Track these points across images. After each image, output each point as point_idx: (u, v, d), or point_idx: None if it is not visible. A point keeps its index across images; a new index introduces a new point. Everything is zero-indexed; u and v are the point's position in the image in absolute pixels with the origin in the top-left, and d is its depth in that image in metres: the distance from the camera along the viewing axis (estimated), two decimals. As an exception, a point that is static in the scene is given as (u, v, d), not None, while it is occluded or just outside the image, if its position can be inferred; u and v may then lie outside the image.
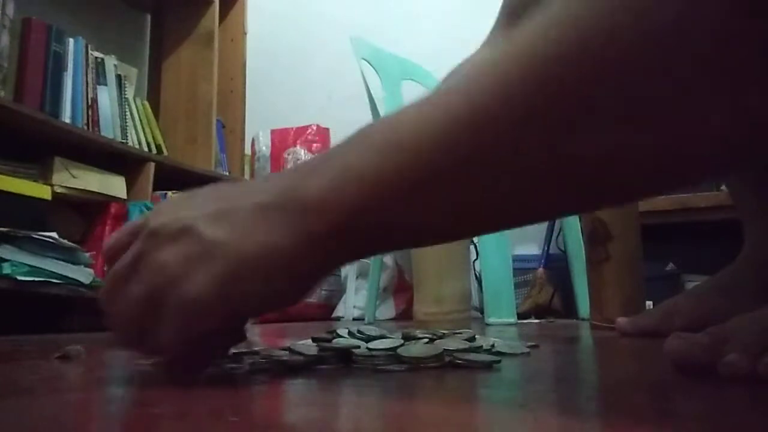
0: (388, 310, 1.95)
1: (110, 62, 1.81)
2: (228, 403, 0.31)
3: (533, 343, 0.61)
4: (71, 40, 1.67)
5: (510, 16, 0.56)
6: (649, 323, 0.78)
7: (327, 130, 2.31)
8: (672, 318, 0.75)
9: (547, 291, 1.70)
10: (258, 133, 2.30)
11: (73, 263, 1.45)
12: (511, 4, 0.57)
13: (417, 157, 0.29)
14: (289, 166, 2.21)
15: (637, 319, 0.81)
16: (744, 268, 0.77)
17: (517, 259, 1.64)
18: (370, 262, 1.77)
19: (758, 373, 0.34)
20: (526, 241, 1.92)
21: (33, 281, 1.33)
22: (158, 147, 1.94)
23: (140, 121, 1.91)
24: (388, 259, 1.91)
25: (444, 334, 0.56)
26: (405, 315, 1.89)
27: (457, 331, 0.59)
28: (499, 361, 0.46)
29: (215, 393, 0.34)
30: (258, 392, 0.38)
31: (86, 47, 1.72)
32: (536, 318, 1.59)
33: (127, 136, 1.81)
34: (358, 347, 0.49)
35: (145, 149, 1.87)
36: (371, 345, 0.51)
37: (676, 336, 0.39)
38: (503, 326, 1.22)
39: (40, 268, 1.36)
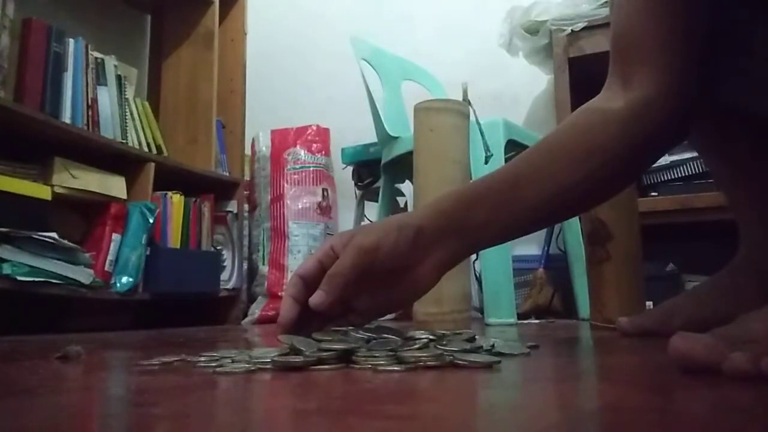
0: (388, 310, 1.95)
1: (110, 62, 1.81)
2: (228, 403, 0.31)
3: (533, 344, 0.61)
4: (71, 41, 1.67)
5: (624, 69, 0.62)
6: (650, 323, 0.78)
7: (327, 130, 2.30)
8: (672, 318, 0.75)
9: (547, 291, 1.70)
10: (258, 133, 2.30)
11: (73, 263, 1.45)
12: (623, 54, 0.62)
13: (482, 183, 0.61)
14: (288, 167, 2.21)
15: (637, 318, 0.81)
16: (743, 268, 0.77)
17: (517, 259, 1.64)
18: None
19: (762, 373, 0.34)
20: (526, 242, 1.91)
21: (33, 281, 1.33)
22: (158, 147, 1.94)
23: (140, 121, 1.91)
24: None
25: (444, 334, 0.56)
26: (405, 315, 1.88)
27: (458, 331, 0.59)
28: (499, 362, 0.46)
29: (215, 393, 0.34)
30: (257, 392, 0.39)
31: (86, 47, 1.72)
32: (536, 318, 1.59)
33: (127, 137, 1.81)
34: (359, 348, 0.49)
35: (145, 149, 1.87)
36: (371, 345, 0.51)
37: (681, 335, 0.39)
38: (503, 327, 1.22)
39: (40, 269, 1.36)
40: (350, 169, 2.07)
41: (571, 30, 1.75)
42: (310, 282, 0.56)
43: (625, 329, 0.79)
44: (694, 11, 0.59)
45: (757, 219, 0.75)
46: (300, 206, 2.17)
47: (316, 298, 0.53)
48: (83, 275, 1.46)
